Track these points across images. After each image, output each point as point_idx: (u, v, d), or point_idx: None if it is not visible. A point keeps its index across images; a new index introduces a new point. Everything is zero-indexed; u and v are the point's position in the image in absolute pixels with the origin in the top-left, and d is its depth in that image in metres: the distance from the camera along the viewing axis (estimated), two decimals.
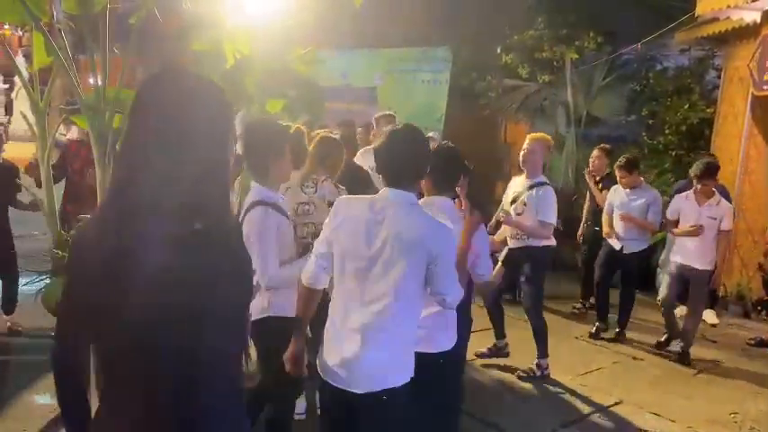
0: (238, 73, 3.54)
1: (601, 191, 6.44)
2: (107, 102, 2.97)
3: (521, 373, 5.04)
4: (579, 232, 6.91)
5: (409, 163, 2.44)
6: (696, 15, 7.41)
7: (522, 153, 4.86)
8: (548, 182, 4.84)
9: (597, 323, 6.15)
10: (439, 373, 2.78)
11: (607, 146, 6.71)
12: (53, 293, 3.56)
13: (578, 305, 6.88)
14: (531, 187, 4.76)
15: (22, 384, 4.24)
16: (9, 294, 5.26)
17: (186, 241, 1.32)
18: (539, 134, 5.13)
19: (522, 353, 5.24)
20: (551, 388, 4.88)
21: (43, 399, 4.07)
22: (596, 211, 6.53)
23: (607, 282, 6.14)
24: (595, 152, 6.63)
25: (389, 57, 11.77)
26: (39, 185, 3.83)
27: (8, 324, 5.23)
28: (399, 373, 2.39)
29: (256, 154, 3.09)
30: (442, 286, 2.41)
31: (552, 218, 4.72)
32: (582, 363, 5.44)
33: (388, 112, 6.29)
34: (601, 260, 6.17)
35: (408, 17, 10.35)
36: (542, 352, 5.03)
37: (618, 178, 5.94)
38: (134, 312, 1.29)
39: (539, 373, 5.00)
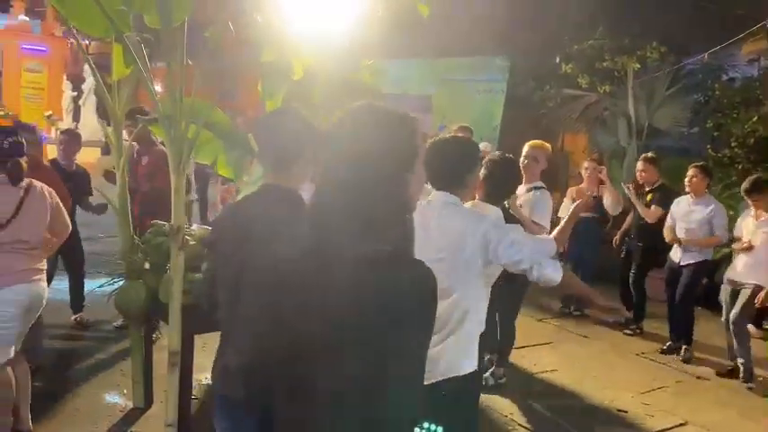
0: (307, 84, 3.62)
1: (650, 202, 6.26)
2: (183, 111, 3.07)
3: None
4: (616, 238, 6.79)
5: (447, 168, 2.58)
6: (767, 25, 7.18)
7: (522, 160, 4.79)
8: (544, 186, 4.74)
9: (670, 342, 5.99)
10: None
11: (650, 155, 6.48)
12: (126, 296, 3.69)
13: (632, 326, 6.65)
14: (528, 191, 4.70)
15: (92, 383, 4.39)
16: (77, 294, 5.46)
17: (367, 262, 1.36)
18: (538, 141, 5.03)
19: (572, 368, 5.18)
20: (612, 406, 4.76)
21: (112, 397, 4.20)
22: (641, 226, 6.36)
23: (674, 300, 5.93)
24: (640, 165, 6.40)
25: (445, 66, 11.78)
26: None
27: (76, 319, 5.44)
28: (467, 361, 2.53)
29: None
30: (512, 256, 2.46)
31: (543, 220, 4.53)
32: (644, 381, 5.29)
33: (464, 125, 6.35)
34: (666, 278, 6.03)
35: (465, 27, 10.34)
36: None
37: (689, 177, 5.76)
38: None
39: (492, 382, 4.84)
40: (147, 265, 3.75)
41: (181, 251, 3.22)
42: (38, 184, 3.50)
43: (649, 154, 6.53)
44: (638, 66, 9.21)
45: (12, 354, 3.33)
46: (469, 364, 2.53)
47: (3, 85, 17.58)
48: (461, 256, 2.46)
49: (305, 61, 3.73)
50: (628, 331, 6.54)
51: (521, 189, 4.85)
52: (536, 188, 4.73)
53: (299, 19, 3.62)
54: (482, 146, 7.86)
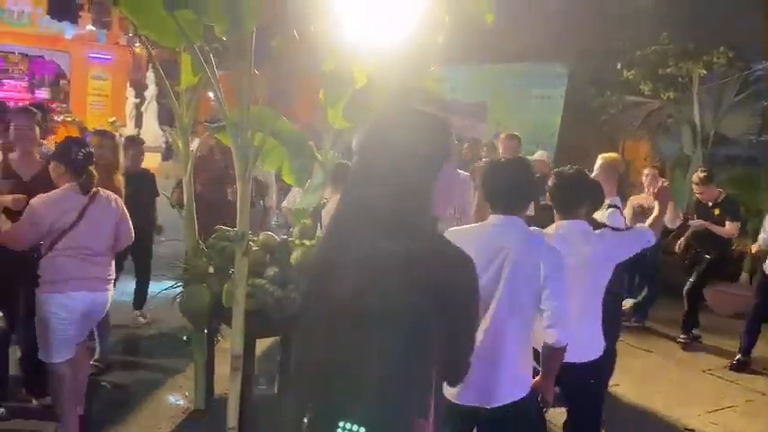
0: (368, 93, 3.61)
1: (719, 217, 6.10)
2: (251, 120, 3.10)
3: None
4: (682, 242, 6.51)
5: (515, 192, 2.59)
6: None
7: (595, 174, 4.64)
8: (617, 205, 4.57)
9: (740, 355, 5.73)
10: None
11: (701, 174, 6.26)
12: (190, 300, 3.76)
13: (683, 337, 6.39)
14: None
15: (156, 384, 4.48)
16: (141, 294, 5.61)
17: (388, 258, 1.41)
18: (606, 154, 4.88)
19: (634, 383, 5.08)
20: (679, 424, 4.59)
21: (174, 399, 4.29)
22: (704, 236, 6.22)
23: (760, 313, 5.70)
24: (697, 188, 6.23)
25: (502, 72, 11.65)
26: (181, 207, 4.06)
27: (138, 315, 5.58)
28: (519, 388, 2.54)
29: None
30: (547, 297, 2.50)
31: None
32: (712, 398, 5.08)
33: (512, 133, 6.30)
34: (757, 289, 5.82)
35: (522, 32, 10.21)
36: None
37: None
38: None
39: None
40: (210, 270, 3.82)
41: (245, 256, 3.26)
42: (104, 192, 3.57)
43: (701, 173, 6.31)
44: (704, 71, 8.90)
45: (72, 354, 3.43)
46: (520, 390, 2.54)
47: (71, 93, 18.25)
48: (530, 285, 2.49)
49: (367, 68, 3.73)
50: (680, 339, 6.33)
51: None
52: (608, 206, 4.59)
53: (362, 26, 3.62)
54: (538, 155, 7.73)
